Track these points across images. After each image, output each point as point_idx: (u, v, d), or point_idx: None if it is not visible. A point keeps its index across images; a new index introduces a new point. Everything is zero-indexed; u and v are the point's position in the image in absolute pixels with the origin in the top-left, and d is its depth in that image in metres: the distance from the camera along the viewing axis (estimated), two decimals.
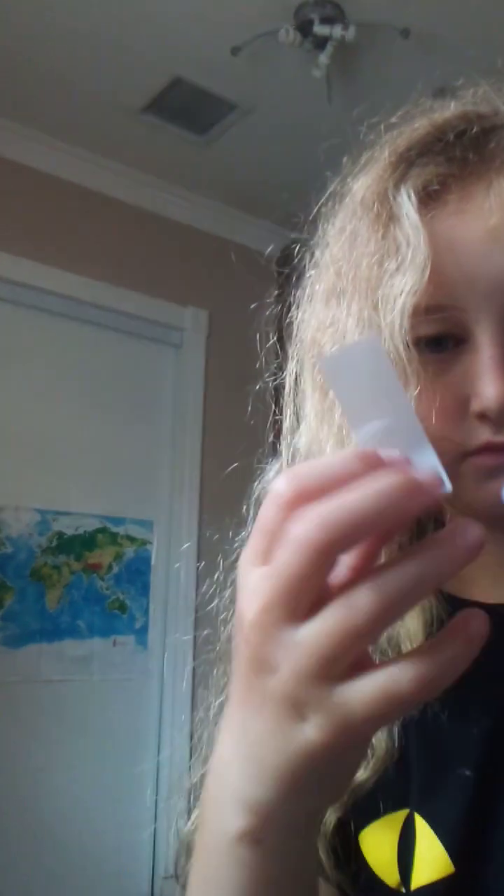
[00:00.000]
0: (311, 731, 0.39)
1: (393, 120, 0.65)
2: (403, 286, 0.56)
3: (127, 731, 3.41)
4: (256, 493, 0.69)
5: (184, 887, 0.52)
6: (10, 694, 3.14)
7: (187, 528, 3.59)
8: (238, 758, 0.43)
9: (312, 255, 0.67)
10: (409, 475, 0.38)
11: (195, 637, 3.43)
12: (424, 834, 0.59)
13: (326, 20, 2.68)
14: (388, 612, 0.38)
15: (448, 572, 0.38)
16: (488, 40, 2.76)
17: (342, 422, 0.60)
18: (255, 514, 0.69)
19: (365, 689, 0.38)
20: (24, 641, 3.20)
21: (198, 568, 3.52)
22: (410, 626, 0.62)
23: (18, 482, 3.28)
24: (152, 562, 3.58)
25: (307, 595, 0.39)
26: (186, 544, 3.56)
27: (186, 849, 0.64)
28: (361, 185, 0.63)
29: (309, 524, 0.38)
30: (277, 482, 0.40)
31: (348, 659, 0.38)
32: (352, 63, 2.91)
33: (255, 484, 0.69)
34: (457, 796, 0.59)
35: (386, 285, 0.57)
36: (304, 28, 2.71)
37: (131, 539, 3.53)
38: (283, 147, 3.41)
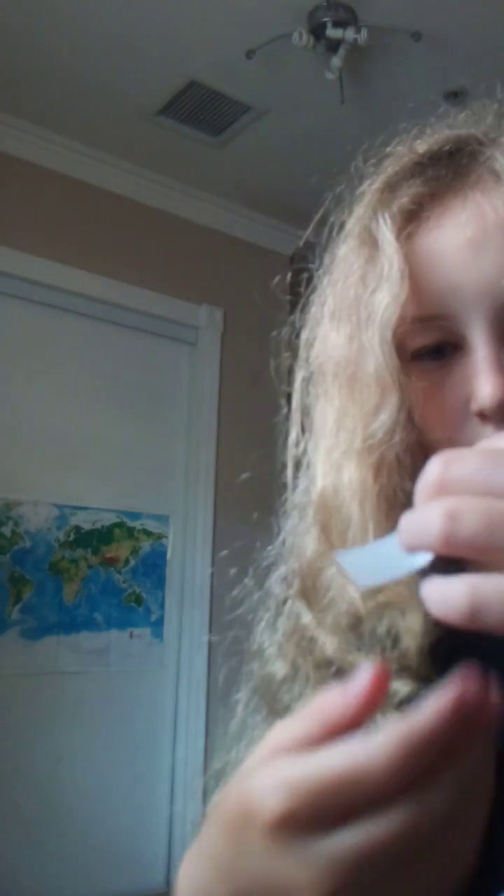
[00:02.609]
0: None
1: (387, 150, 0.69)
2: (382, 301, 0.61)
3: (143, 722, 3.45)
4: (284, 508, 0.72)
5: None
6: (28, 685, 3.19)
7: (203, 523, 3.63)
8: None
9: (313, 279, 0.72)
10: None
11: (210, 630, 3.47)
12: None
13: (339, 23, 2.70)
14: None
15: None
16: (500, 43, 2.79)
17: (344, 435, 0.63)
18: (284, 523, 0.71)
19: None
20: (43, 634, 3.25)
21: (213, 563, 3.56)
22: (410, 620, 0.63)
23: (36, 477, 3.32)
24: (168, 556, 3.62)
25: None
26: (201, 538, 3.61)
27: None
28: (354, 215, 0.68)
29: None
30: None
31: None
32: (364, 66, 2.94)
33: (283, 497, 0.71)
34: None
35: (367, 303, 0.62)
36: (317, 31, 2.73)
37: (148, 533, 3.57)
38: (296, 148, 3.44)
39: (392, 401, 0.60)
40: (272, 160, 3.56)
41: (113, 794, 3.32)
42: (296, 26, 2.74)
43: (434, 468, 0.38)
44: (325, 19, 2.71)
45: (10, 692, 3.15)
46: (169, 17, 2.78)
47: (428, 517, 0.36)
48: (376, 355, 0.60)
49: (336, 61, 2.78)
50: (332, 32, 2.70)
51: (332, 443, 0.64)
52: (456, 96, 2.92)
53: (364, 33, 2.71)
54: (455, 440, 0.60)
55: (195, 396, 3.77)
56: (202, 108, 3.24)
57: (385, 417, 0.60)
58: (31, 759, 3.14)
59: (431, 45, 2.82)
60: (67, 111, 3.28)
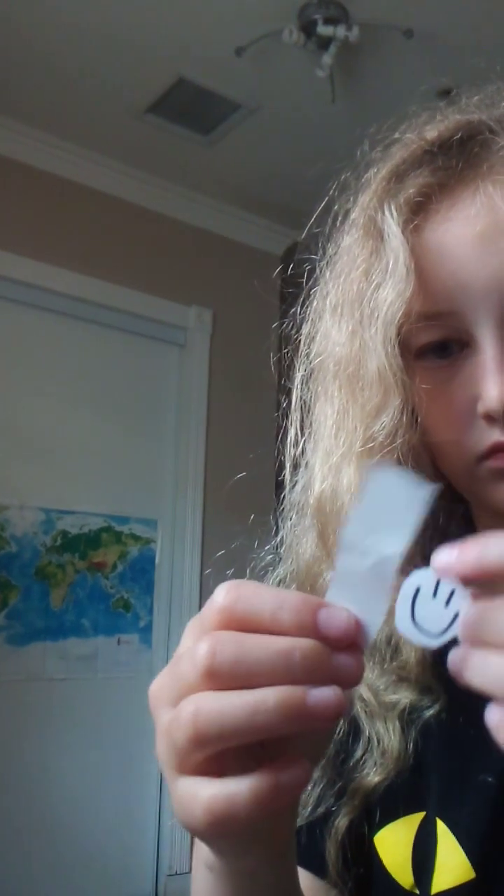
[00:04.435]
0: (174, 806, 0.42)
1: (395, 135, 0.66)
2: (386, 298, 0.58)
3: (131, 730, 3.41)
4: (283, 506, 0.70)
5: None
6: (15, 692, 3.15)
7: (191, 527, 3.60)
8: None
9: (316, 271, 0.69)
10: (304, 694, 0.37)
11: None
12: (446, 839, 0.60)
13: (330, 20, 2.68)
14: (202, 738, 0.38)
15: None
16: (491, 41, 2.77)
17: (344, 436, 0.61)
18: (283, 523, 0.69)
19: (193, 791, 0.39)
20: (29, 640, 3.21)
21: (202, 567, 3.53)
22: None
23: (23, 481, 3.28)
24: (156, 560, 3.58)
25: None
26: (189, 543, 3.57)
27: None
28: (359, 204, 0.65)
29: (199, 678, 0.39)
30: (219, 594, 0.40)
31: (194, 758, 0.39)
32: (355, 63, 2.91)
33: (284, 492, 0.69)
34: (479, 803, 0.59)
35: (371, 299, 0.59)
36: (308, 28, 2.71)
37: (135, 538, 3.53)
38: (286, 147, 3.41)
39: (394, 401, 0.58)
40: (262, 159, 3.53)
41: (101, 802, 3.29)
42: (286, 23, 2.72)
43: None
44: (315, 16, 2.70)
45: None
46: (158, 13, 2.75)
47: None
48: (379, 354, 0.58)
49: (327, 59, 2.76)
50: (323, 30, 2.68)
51: (331, 444, 0.62)
52: (448, 94, 2.90)
53: (355, 31, 2.69)
54: (461, 442, 0.58)
55: (184, 398, 3.74)
56: (191, 106, 3.21)
57: (387, 419, 0.58)
58: (17, 767, 3.11)
59: (423, 42, 2.80)
60: (54, 108, 3.24)
